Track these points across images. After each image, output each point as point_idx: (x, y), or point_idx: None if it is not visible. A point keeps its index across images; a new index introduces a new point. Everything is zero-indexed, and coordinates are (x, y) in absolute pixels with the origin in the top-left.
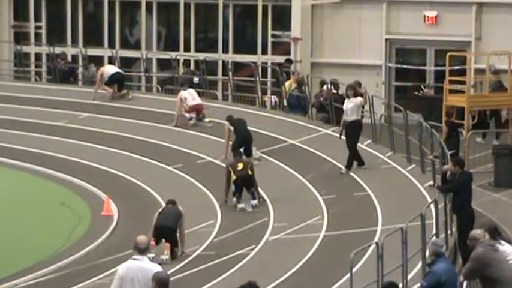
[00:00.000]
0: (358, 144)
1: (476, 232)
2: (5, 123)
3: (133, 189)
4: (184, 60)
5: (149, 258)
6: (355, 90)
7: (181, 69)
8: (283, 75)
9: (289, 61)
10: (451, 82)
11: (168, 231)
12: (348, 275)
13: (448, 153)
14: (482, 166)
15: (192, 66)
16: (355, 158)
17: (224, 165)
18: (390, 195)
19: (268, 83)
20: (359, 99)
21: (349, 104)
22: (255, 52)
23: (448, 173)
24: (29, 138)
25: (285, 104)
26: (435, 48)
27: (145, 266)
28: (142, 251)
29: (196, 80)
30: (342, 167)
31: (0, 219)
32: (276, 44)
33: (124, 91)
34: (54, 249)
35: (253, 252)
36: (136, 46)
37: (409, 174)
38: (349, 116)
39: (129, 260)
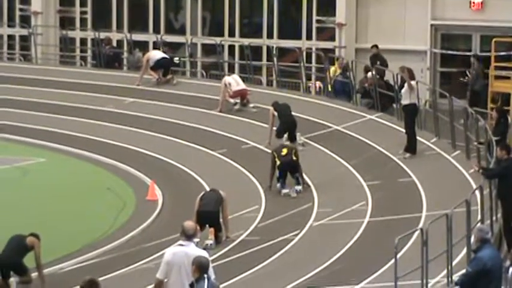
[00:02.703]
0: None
1: None
2: (50, 108)
3: (178, 174)
4: (154, 42)
5: (194, 243)
6: (403, 73)
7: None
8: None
9: (375, 47)
10: (496, 68)
11: (210, 216)
12: (393, 260)
13: (494, 139)
14: None
15: (237, 51)
16: (412, 141)
17: (268, 150)
18: (435, 181)
19: (313, 69)
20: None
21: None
22: (299, 37)
23: (493, 159)
24: (74, 122)
25: (329, 89)
26: (481, 34)
27: (191, 251)
28: (189, 237)
29: (176, 59)
30: (387, 152)
31: (46, 204)
32: (321, 30)
33: (169, 76)
34: (99, 233)
35: (297, 238)
36: (181, 31)
37: (454, 160)
38: (403, 100)
39: (175, 246)
